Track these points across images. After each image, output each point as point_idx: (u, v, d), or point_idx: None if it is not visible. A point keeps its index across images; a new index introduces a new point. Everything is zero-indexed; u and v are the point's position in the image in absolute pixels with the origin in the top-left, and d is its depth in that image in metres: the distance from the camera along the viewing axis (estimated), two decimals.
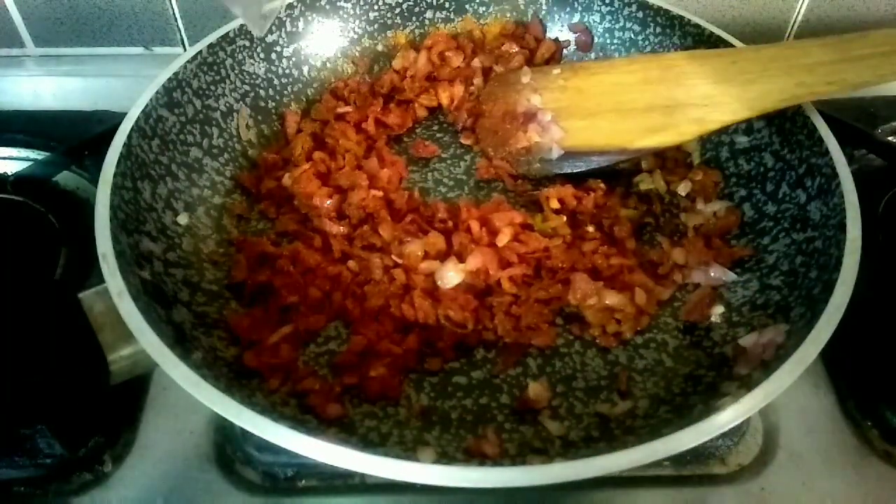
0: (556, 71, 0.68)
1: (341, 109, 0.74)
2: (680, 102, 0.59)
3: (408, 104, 0.77)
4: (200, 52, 0.66)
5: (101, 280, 0.47)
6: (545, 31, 0.82)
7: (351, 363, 0.55)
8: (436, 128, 0.78)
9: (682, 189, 0.69)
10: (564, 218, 0.65)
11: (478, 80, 0.77)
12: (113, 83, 0.88)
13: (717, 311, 0.59)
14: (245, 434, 0.54)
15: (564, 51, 0.81)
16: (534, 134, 0.68)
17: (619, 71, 0.64)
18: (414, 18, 0.81)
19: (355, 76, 0.79)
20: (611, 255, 0.61)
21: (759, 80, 0.56)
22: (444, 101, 0.77)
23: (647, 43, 0.76)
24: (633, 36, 0.77)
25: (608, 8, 0.78)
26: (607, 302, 0.58)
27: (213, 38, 0.67)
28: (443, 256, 0.60)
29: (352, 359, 0.55)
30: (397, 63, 0.79)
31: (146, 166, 0.59)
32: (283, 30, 0.73)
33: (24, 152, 0.76)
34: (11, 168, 0.74)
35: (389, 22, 0.80)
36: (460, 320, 0.57)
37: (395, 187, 0.68)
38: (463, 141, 0.75)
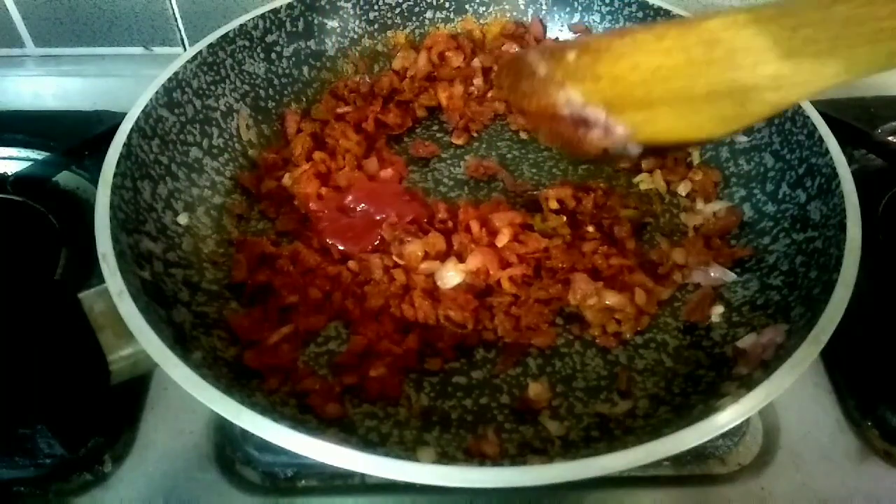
0: (572, 56, 0.55)
1: (341, 109, 0.74)
2: (746, 86, 0.48)
3: (407, 104, 0.77)
4: (200, 52, 0.66)
5: (101, 280, 0.47)
6: (545, 31, 0.82)
7: (351, 363, 0.55)
8: (436, 128, 0.78)
9: (682, 189, 0.69)
10: (564, 218, 0.65)
11: (478, 81, 0.77)
12: (113, 83, 0.88)
13: (717, 311, 0.59)
14: (245, 434, 0.54)
15: None
16: (600, 138, 0.59)
17: (650, 50, 0.51)
18: (414, 18, 0.81)
19: (355, 76, 0.79)
20: (611, 255, 0.61)
21: (835, 52, 0.43)
22: (444, 100, 0.77)
23: None
24: None
25: (608, 8, 0.78)
26: (607, 302, 0.58)
27: (213, 38, 0.67)
28: (443, 256, 0.60)
29: (352, 359, 0.55)
30: (397, 63, 0.79)
31: (146, 166, 0.59)
32: (283, 30, 0.73)
33: (24, 152, 0.76)
34: (11, 168, 0.74)
35: (389, 22, 0.80)
36: (460, 320, 0.57)
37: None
38: (454, 141, 0.75)
